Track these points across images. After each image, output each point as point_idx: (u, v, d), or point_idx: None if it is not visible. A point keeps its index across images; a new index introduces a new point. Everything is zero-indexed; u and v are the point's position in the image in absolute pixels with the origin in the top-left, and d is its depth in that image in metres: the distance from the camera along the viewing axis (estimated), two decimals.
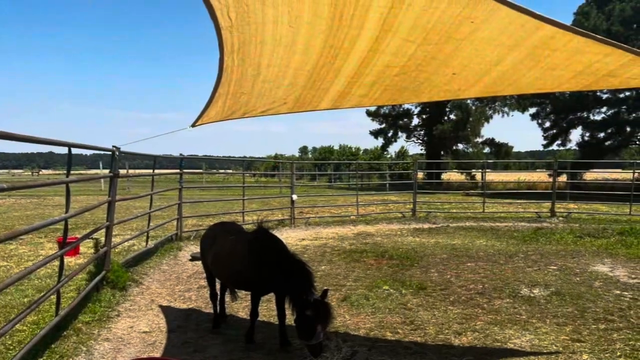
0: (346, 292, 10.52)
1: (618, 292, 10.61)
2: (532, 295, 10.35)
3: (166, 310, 9.60)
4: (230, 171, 63.05)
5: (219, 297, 8.69)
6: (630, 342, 7.70)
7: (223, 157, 71.03)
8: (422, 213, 25.56)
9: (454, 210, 27.02)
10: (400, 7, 5.05)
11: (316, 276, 7.77)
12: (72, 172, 7.84)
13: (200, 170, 53.97)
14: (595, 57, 5.71)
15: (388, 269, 12.90)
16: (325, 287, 6.94)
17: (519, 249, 15.98)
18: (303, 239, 18.33)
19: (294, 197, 22.51)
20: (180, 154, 17.55)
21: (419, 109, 65.47)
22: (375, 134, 68.38)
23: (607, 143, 52.78)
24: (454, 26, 5.43)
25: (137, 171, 57.78)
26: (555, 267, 13.01)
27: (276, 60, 6.72)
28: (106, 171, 12.29)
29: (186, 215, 18.94)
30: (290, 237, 18.43)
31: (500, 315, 9.05)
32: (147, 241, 15.15)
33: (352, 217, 24.60)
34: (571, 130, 55.28)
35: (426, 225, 22.27)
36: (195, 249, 15.12)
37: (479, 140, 62.91)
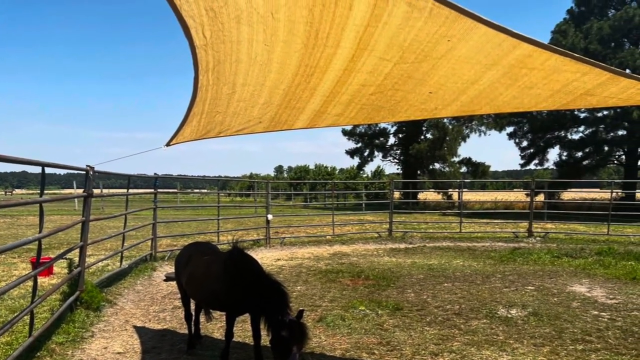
0: (322, 313, 10.44)
1: (596, 312, 10.61)
2: (509, 315, 10.32)
3: (140, 331, 9.49)
4: (205, 191, 62.78)
5: (193, 317, 8.60)
6: None
7: (198, 176, 70.91)
8: (399, 233, 25.56)
9: (431, 230, 27.03)
10: (376, 25, 5.02)
11: (292, 296, 7.68)
12: (45, 191, 7.72)
13: (175, 190, 53.67)
14: (573, 75, 5.71)
15: (364, 289, 12.83)
16: (300, 308, 6.85)
17: (496, 269, 15.99)
18: (278, 259, 18.24)
19: (270, 216, 22.43)
20: (155, 174, 17.44)
21: (395, 128, 65.83)
22: (351, 153, 68.54)
23: (584, 162, 53.31)
24: (430, 44, 5.41)
25: (112, 191, 57.41)
26: (532, 288, 13.00)
27: (251, 79, 6.67)
28: (80, 191, 12.15)
29: (160, 235, 18.78)
30: (266, 257, 18.33)
31: (477, 335, 9.01)
32: (121, 261, 15.01)
33: (328, 237, 24.53)
34: (549, 150, 55.83)
35: (402, 245, 22.28)
36: (170, 269, 15.02)
37: (456, 159, 63.33)
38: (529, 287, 13.06)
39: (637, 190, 44.91)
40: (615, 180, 33.79)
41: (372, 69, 6.24)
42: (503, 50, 5.32)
